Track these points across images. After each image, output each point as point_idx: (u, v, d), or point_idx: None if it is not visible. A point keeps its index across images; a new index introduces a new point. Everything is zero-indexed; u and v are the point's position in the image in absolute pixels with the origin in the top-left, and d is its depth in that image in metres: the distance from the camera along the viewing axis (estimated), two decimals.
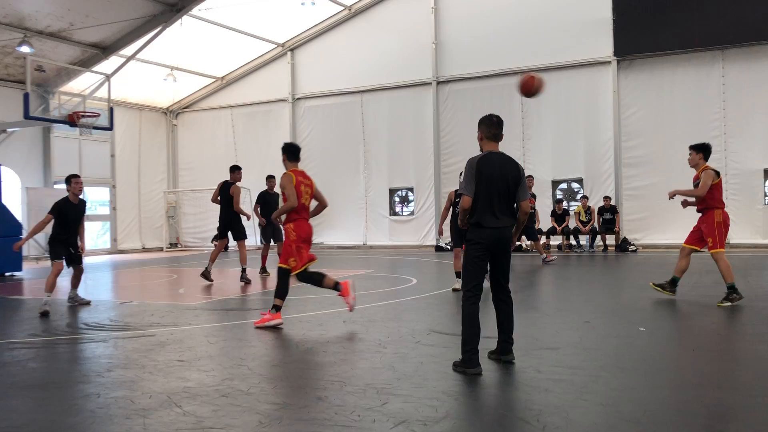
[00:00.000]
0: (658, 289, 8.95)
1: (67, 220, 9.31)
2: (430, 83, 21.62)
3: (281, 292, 7.46)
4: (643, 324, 7.30)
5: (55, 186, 21.47)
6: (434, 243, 20.23)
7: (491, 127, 5.37)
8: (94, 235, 23.56)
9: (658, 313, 8.06)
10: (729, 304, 8.14)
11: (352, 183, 23.01)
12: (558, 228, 18.85)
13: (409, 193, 22.58)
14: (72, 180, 9.54)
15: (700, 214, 8.57)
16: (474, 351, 5.12)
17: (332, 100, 23.48)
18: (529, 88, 5.68)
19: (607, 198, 18.81)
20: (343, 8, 22.64)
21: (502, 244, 5.25)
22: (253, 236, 18.24)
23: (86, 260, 19.81)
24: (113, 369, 5.58)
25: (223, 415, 4.23)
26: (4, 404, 4.66)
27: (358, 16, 22.83)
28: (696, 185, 8.43)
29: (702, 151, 8.53)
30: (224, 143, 25.43)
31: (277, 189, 14.15)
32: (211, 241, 23.14)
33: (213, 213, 17.00)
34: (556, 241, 19.20)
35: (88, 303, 9.76)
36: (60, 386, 5.09)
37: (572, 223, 18.98)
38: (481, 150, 5.42)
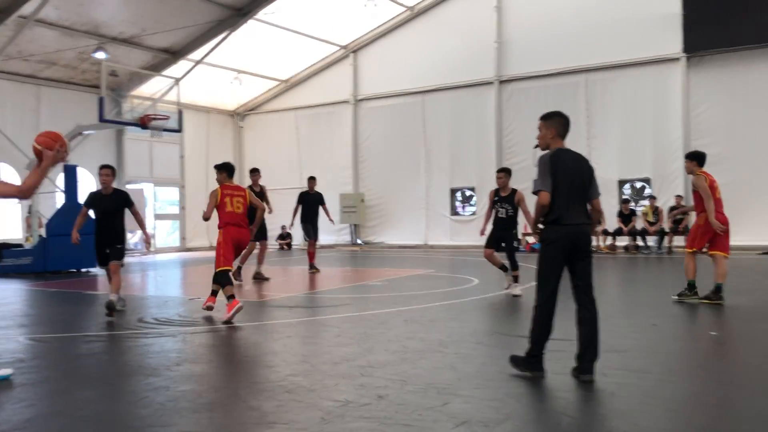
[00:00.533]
0: (706, 301, 8.47)
1: (99, 211, 8.77)
2: (493, 82, 21.43)
3: (223, 283, 8.06)
4: (714, 328, 7.06)
5: (127, 186, 22.27)
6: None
7: (565, 125, 5.20)
8: (164, 234, 24.34)
9: (730, 317, 7.77)
10: (677, 299, 8.59)
11: (413, 183, 23.02)
12: (624, 229, 18.39)
13: (473, 194, 22.39)
14: (99, 171, 8.93)
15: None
16: (540, 355, 5.00)
17: (394, 101, 23.55)
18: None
19: (679, 197, 18.21)
20: (405, 9, 22.68)
21: (582, 244, 5.01)
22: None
23: (157, 257, 20.51)
24: (182, 363, 5.76)
25: (286, 410, 4.31)
26: (80, 395, 4.87)
27: (420, 16, 22.84)
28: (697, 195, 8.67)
29: (696, 159, 8.69)
30: (288, 144, 25.85)
31: (318, 189, 14.55)
32: (276, 240, 23.58)
33: (277, 213, 17.21)
34: (622, 242, 18.74)
35: (119, 309, 8.64)
36: (131, 378, 5.29)
37: (639, 224, 18.49)
38: (545, 147, 5.22)
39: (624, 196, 19.62)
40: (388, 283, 11.82)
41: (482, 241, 10.20)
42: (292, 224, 14.73)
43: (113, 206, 8.76)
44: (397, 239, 23.25)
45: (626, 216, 18.59)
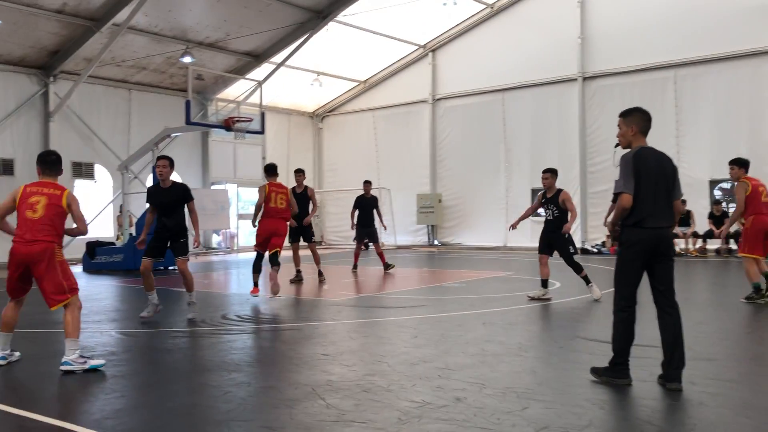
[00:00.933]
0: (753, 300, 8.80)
1: (158, 206, 8.36)
2: (576, 79, 20.92)
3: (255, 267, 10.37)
4: None
5: (212, 187, 23.03)
6: (579, 246, 19.55)
7: (646, 121, 4.94)
8: (246, 233, 24.97)
9: None
10: (745, 301, 8.90)
11: (491, 183, 22.74)
12: (716, 231, 17.57)
13: None
14: (156, 162, 8.58)
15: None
16: (625, 362, 4.82)
17: (473, 100, 23.35)
18: None
19: None
20: (485, 6, 22.44)
21: (663, 247, 4.81)
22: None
23: (239, 256, 21.09)
24: (262, 360, 5.89)
25: (364, 409, 4.33)
26: (167, 387, 5.05)
27: (500, 13, 22.53)
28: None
29: (744, 165, 9.25)
30: (366, 145, 26.05)
31: (373, 193, 14.68)
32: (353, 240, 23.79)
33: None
34: (713, 245, 17.91)
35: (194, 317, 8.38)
36: (215, 373, 5.44)
37: (732, 226, 17.60)
38: (626, 145, 5.00)
39: (716, 197, 18.76)
40: (466, 285, 11.72)
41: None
42: (352, 227, 14.84)
43: (172, 199, 8.29)
44: (475, 240, 23.04)
45: (718, 218, 17.76)
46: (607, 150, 19.80)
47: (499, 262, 17.20)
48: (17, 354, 5.97)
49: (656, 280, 4.84)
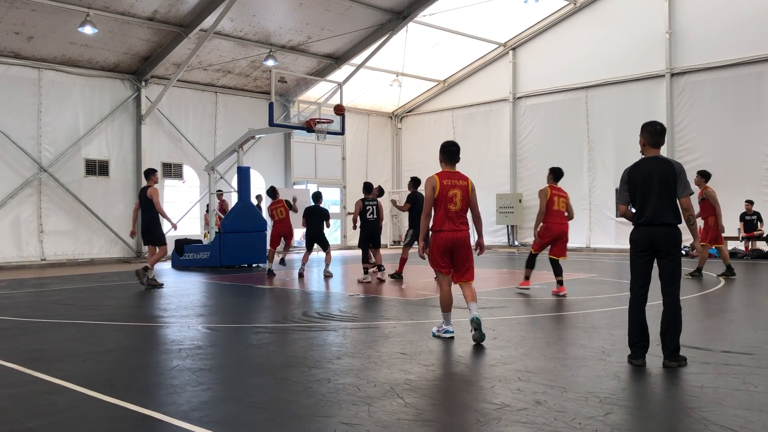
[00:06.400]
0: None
1: (310, 220, 14.29)
2: (663, 75, 20.17)
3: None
4: None
5: (294, 186, 23.51)
6: None
7: (654, 134, 5.59)
8: (326, 232, 25.35)
9: None
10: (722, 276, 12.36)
11: (574, 182, 22.14)
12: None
13: None
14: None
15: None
16: (635, 344, 5.48)
17: (555, 98, 22.90)
18: None
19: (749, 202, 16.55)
20: (567, 2, 21.97)
21: (661, 244, 5.41)
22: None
23: (319, 254, 21.43)
24: (342, 357, 5.97)
25: (442, 410, 4.32)
26: (250, 382, 5.19)
27: (583, 9, 22.02)
28: (701, 201, 12.44)
29: (706, 177, 12.53)
30: None
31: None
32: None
33: None
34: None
35: (330, 275, 13.93)
36: (296, 369, 5.55)
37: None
38: (643, 152, 5.71)
39: None
40: (547, 287, 11.51)
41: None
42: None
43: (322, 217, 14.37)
44: None
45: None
46: (698, 148, 19.05)
47: (582, 263, 16.79)
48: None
49: (660, 273, 5.53)
